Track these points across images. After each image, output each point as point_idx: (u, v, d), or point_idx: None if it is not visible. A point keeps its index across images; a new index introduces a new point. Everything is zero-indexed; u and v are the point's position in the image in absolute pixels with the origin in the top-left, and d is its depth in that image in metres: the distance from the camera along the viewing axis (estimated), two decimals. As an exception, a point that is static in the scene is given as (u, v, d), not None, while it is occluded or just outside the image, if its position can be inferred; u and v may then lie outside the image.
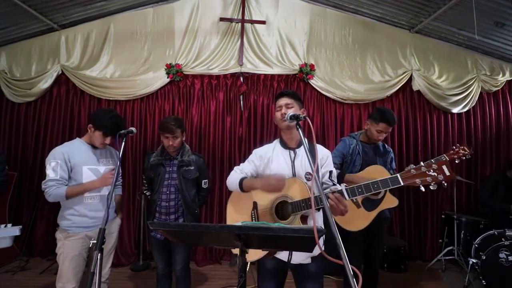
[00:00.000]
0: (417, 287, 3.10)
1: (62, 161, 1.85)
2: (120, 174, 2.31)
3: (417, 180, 1.40)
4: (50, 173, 1.82)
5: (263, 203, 1.56)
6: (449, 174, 1.37)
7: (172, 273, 2.23)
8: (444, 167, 1.38)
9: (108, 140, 1.96)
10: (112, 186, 1.57)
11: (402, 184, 1.40)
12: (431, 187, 1.39)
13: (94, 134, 1.94)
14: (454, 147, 2.30)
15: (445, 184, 1.39)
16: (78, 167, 1.89)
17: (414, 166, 1.44)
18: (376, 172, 2.18)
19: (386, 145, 2.47)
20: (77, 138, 2.04)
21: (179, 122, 2.13)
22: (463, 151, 2.26)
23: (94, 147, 2.01)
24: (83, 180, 1.90)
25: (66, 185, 1.85)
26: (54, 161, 1.84)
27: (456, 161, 2.23)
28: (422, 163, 1.44)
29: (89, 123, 1.97)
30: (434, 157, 2.34)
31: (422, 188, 1.41)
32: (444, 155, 2.30)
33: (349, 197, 1.42)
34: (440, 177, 1.37)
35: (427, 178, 1.40)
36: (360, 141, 2.36)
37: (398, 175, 1.42)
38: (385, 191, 2.13)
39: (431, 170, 1.39)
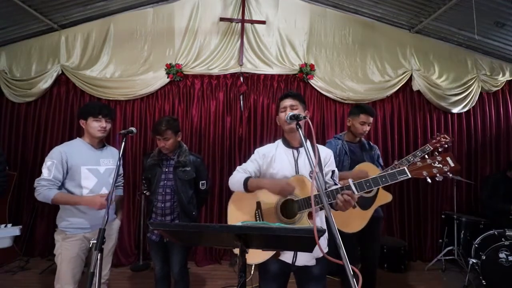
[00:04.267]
0: (417, 287, 3.09)
1: (59, 162, 1.83)
2: (121, 175, 2.29)
3: (424, 172, 1.44)
4: (44, 172, 1.81)
5: (267, 203, 1.54)
6: (453, 165, 1.41)
7: (170, 274, 2.20)
8: (448, 158, 1.43)
9: (103, 122, 1.94)
10: (112, 186, 1.56)
11: (409, 176, 1.42)
12: (437, 179, 1.43)
13: (88, 125, 1.93)
14: (435, 136, 2.48)
15: (451, 175, 1.43)
16: (77, 167, 1.87)
17: (419, 159, 1.48)
18: (367, 170, 2.19)
19: (370, 142, 2.52)
20: (78, 138, 2.02)
21: (171, 123, 2.08)
22: (444, 139, 2.42)
23: (95, 146, 1.99)
24: (82, 180, 1.88)
25: (59, 186, 1.84)
26: (50, 161, 1.83)
27: (439, 150, 2.38)
28: (426, 156, 1.48)
29: (78, 120, 1.97)
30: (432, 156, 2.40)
31: (429, 180, 1.44)
32: (428, 144, 2.45)
33: (357, 191, 1.41)
34: (446, 168, 1.41)
35: (433, 169, 1.43)
36: (346, 141, 2.38)
37: (405, 167, 1.45)
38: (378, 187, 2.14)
39: (436, 162, 1.43)
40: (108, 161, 2.02)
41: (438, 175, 1.43)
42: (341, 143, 2.35)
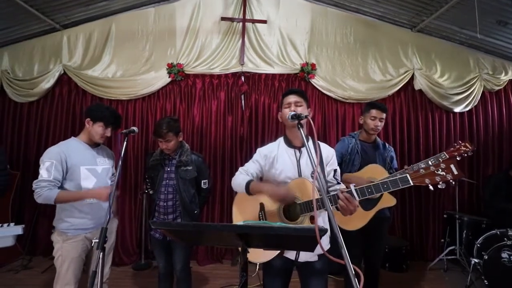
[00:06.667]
0: (418, 287, 3.09)
1: (58, 162, 1.79)
2: (114, 174, 2.24)
3: (426, 179, 1.42)
4: (43, 173, 1.77)
5: (270, 204, 1.54)
6: (457, 173, 1.38)
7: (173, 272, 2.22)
8: (452, 166, 1.40)
9: (108, 132, 1.92)
10: (114, 185, 1.56)
11: (411, 184, 1.40)
12: (439, 186, 1.41)
13: (93, 128, 1.90)
14: (456, 144, 2.29)
15: (453, 183, 1.41)
16: (76, 167, 1.84)
17: (423, 166, 1.43)
18: (374, 172, 2.18)
19: (386, 144, 2.47)
20: (73, 137, 1.98)
21: (171, 125, 2.06)
22: (464, 148, 2.24)
23: (91, 146, 1.97)
24: (81, 181, 1.85)
25: (59, 187, 1.79)
26: (49, 161, 1.79)
27: (457, 158, 2.21)
28: (430, 163, 1.44)
29: (86, 118, 1.91)
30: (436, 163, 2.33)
31: (431, 187, 1.41)
32: (444, 152, 2.29)
33: (358, 197, 1.39)
34: (449, 176, 1.39)
35: (436, 177, 1.41)
36: (360, 140, 2.36)
37: (407, 175, 1.41)
38: None
39: (440, 170, 1.41)
40: (104, 161, 2.01)
41: (440, 183, 1.40)
42: (354, 142, 2.33)
